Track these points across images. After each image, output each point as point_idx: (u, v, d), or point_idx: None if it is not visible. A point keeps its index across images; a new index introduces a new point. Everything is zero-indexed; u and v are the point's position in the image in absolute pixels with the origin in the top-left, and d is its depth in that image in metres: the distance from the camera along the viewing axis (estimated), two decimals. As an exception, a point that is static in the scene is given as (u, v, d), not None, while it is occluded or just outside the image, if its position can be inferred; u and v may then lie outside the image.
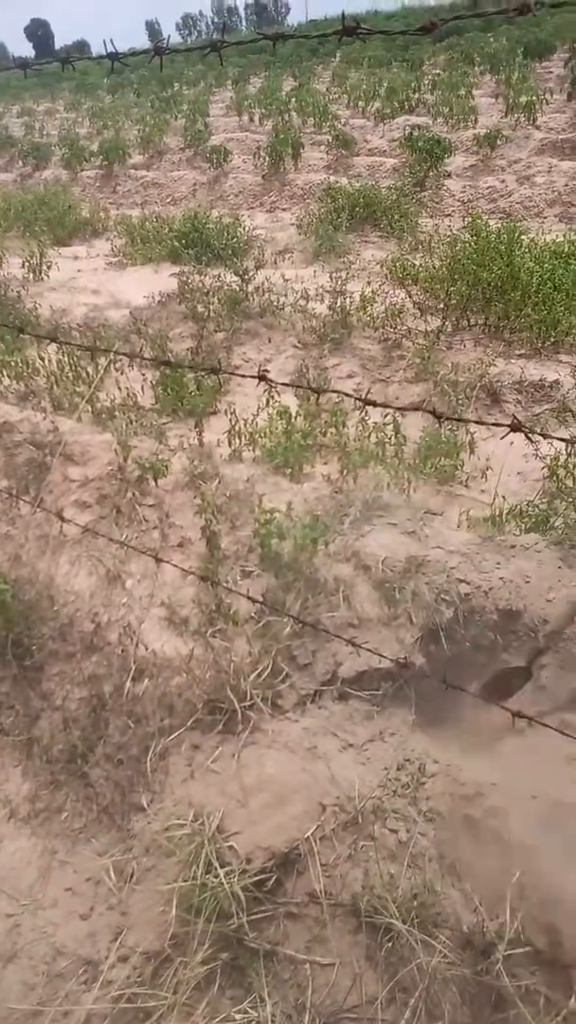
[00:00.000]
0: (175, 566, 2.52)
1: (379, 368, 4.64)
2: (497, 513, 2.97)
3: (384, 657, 2.15)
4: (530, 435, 1.41)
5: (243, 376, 1.65)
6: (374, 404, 1.57)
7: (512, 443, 3.25)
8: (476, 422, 1.35)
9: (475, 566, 2.54)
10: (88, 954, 1.87)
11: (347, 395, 1.53)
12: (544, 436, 1.40)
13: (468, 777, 2.01)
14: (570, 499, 2.92)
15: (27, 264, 6.97)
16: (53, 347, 4.82)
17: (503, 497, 3.10)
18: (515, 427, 1.39)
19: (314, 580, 2.53)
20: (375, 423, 3.51)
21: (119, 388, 4.43)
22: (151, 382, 4.54)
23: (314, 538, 2.57)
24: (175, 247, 7.16)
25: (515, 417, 1.44)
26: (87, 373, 4.62)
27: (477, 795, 1.96)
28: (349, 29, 1.31)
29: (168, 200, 11.00)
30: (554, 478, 3.15)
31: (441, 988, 1.71)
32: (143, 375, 4.63)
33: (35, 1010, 1.78)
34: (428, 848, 1.90)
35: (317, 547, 2.59)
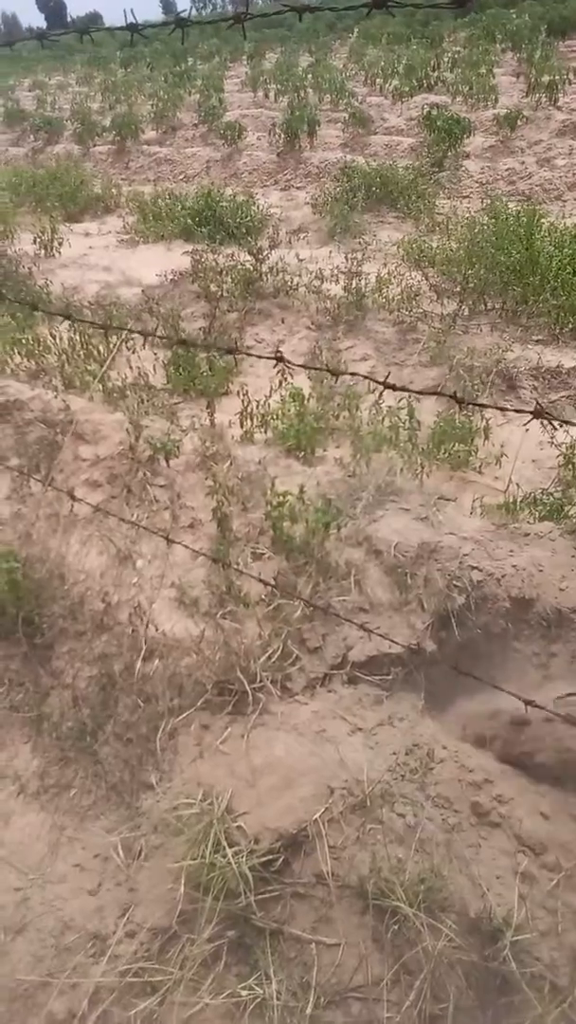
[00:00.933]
0: (186, 547, 2.52)
1: (393, 351, 4.59)
2: (511, 500, 2.95)
3: (395, 642, 2.15)
4: (553, 421, 1.38)
5: (259, 357, 1.62)
6: (394, 388, 1.55)
7: (527, 430, 3.21)
8: (499, 408, 1.32)
9: (488, 553, 2.53)
10: (96, 928, 1.89)
11: (367, 378, 1.50)
12: (569, 424, 1.38)
13: (476, 763, 2.01)
14: (586, 488, 2.89)
15: (38, 240, 6.91)
16: (64, 325, 4.79)
17: (517, 484, 3.08)
18: (538, 413, 1.37)
19: (326, 564, 2.52)
20: (389, 407, 3.48)
21: (130, 367, 4.40)
22: (163, 361, 4.51)
23: (326, 522, 2.55)
24: (188, 225, 7.08)
25: (538, 403, 1.41)
26: (98, 351, 4.60)
27: (485, 782, 1.96)
28: (378, 1, 1.27)
29: (181, 177, 10.87)
30: (570, 466, 3.12)
31: (447, 971, 1.72)
32: (155, 354, 4.60)
33: (44, 981, 1.80)
34: (436, 833, 1.90)
35: (329, 531, 2.57)
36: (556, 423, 1.41)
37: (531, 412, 1.38)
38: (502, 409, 1.41)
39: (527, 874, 1.83)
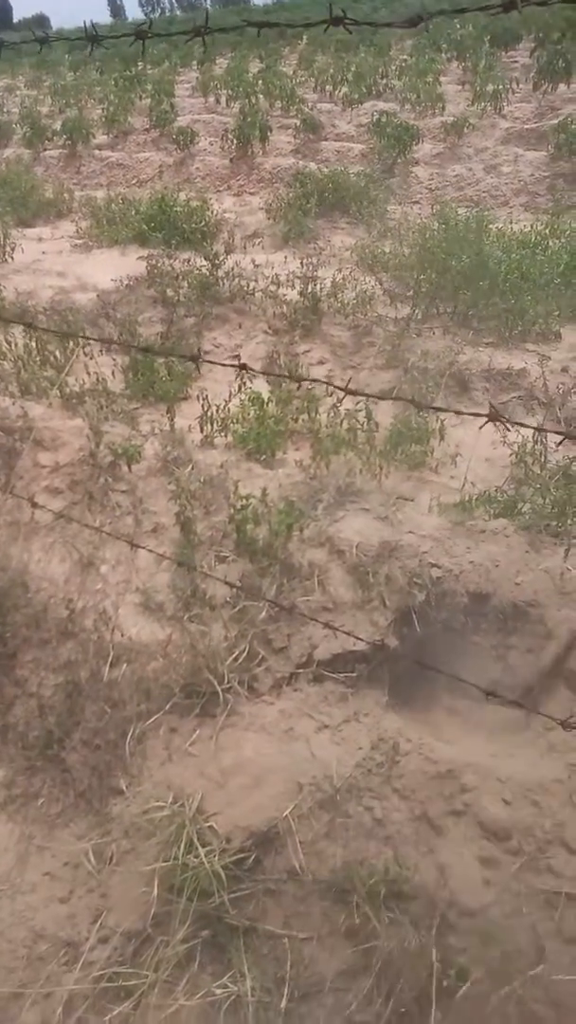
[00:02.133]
0: (150, 551, 2.52)
1: (350, 355, 4.66)
2: (467, 499, 3.03)
3: (359, 639, 2.20)
4: (507, 424, 1.45)
5: (223, 365, 1.65)
6: (355, 393, 1.59)
7: (481, 430, 3.31)
8: (455, 412, 1.38)
9: (446, 551, 2.60)
10: (69, 936, 1.88)
11: (328, 384, 1.55)
12: (520, 425, 1.44)
13: (440, 755, 2.07)
14: (537, 485, 2.99)
15: (-11, 245, 6.80)
16: (19, 330, 4.73)
17: (472, 483, 3.17)
18: (493, 417, 1.43)
19: (289, 565, 2.55)
20: (347, 410, 3.54)
21: (88, 373, 4.37)
22: (121, 367, 4.49)
23: (289, 524, 2.59)
24: (142, 230, 7.05)
25: (492, 406, 1.48)
26: (55, 357, 4.55)
27: (449, 773, 2.02)
28: (336, 19, 1.31)
29: (134, 181, 10.81)
30: (521, 465, 3.23)
31: (411, 960, 1.77)
32: (113, 360, 4.58)
33: (17, 992, 1.80)
34: (403, 824, 1.96)
35: (292, 532, 2.61)
36: (509, 425, 1.47)
37: (486, 415, 1.45)
38: (458, 412, 1.47)
39: (491, 859, 1.89)
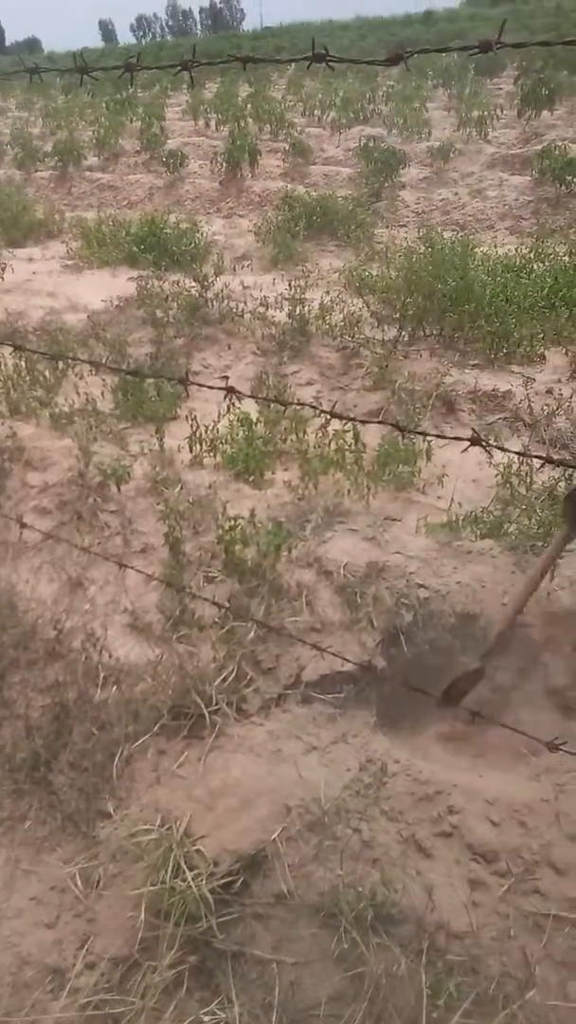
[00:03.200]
0: (139, 572, 2.53)
1: (338, 376, 4.71)
2: (453, 519, 3.06)
3: (347, 660, 2.21)
4: (489, 448, 1.48)
5: (210, 388, 1.68)
6: (340, 417, 1.62)
7: (467, 451, 3.35)
8: (438, 436, 1.41)
9: (433, 571, 2.62)
10: (55, 963, 1.86)
11: (315, 408, 1.57)
12: (501, 449, 1.47)
13: (428, 776, 2.08)
14: (523, 506, 3.03)
15: (-20, 265, 6.84)
16: (7, 350, 4.75)
17: (459, 503, 3.20)
18: (475, 440, 1.46)
19: (277, 585, 2.57)
20: (335, 430, 3.58)
21: (78, 393, 4.40)
22: (110, 387, 4.52)
23: (277, 544, 2.61)
24: (133, 251, 7.12)
25: (474, 431, 1.51)
26: (44, 377, 4.58)
27: (437, 794, 2.03)
28: (319, 56, 1.35)
29: (124, 203, 10.92)
30: (507, 486, 3.27)
31: (400, 984, 1.76)
32: (103, 380, 4.60)
33: (2, 1021, 1.77)
34: (391, 846, 1.96)
35: (280, 553, 2.63)
36: (491, 450, 1.50)
37: (468, 440, 1.48)
38: (441, 437, 1.50)
39: (479, 881, 1.89)
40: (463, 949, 1.77)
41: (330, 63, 1.39)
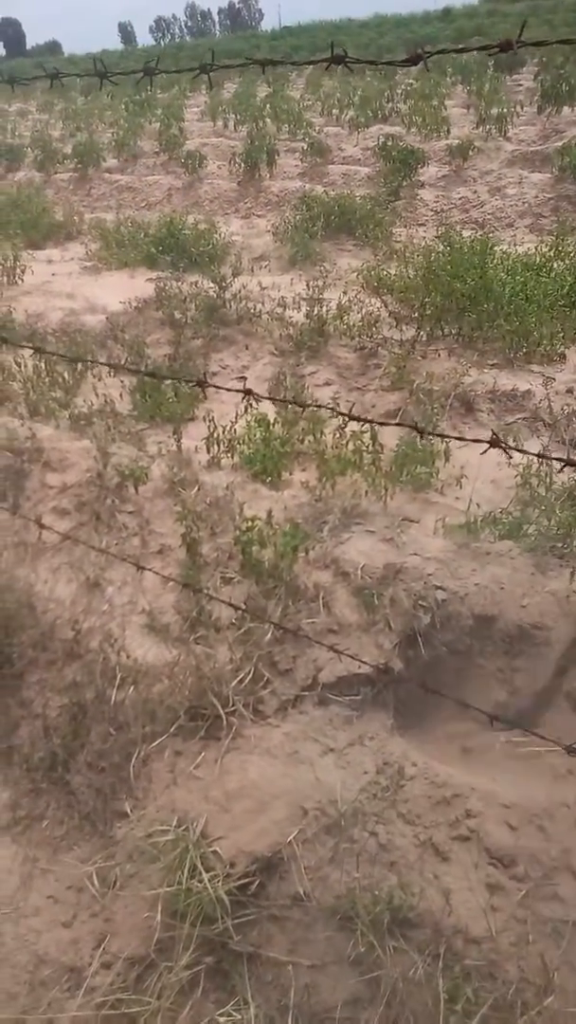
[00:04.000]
0: (156, 573, 2.54)
1: (355, 376, 4.70)
2: (472, 520, 3.04)
3: (364, 662, 2.20)
4: (508, 450, 1.46)
5: (228, 390, 1.68)
6: (358, 419, 1.62)
7: (485, 452, 3.32)
8: (456, 438, 1.40)
9: (451, 572, 2.60)
10: (71, 961, 1.88)
11: (332, 410, 1.57)
12: (521, 451, 1.46)
13: (445, 779, 2.06)
14: (542, 507, 3.00)
15: (1, 267, 6.91)
16: (27, 352, 4.80)
17: (477, 504, 3.17)
18: (494, 443, 1.45)
19: (294, 587, 2.56)
20: (352, 431, 3.56)
21: (96, 394, 4.43)
22: (128, 388, 4.54)
23: (294, 545, 2.61)
24: (151, 252, 7.16)
25: (494, 432, 1.49)
26: (64, 379, 4.61)
27: (454, 797, 2.01)
28: (337, 58, 1.35)
29: (143, 204, 10.98)
30: (527, 487, 3.23)
31: (416, 989, 1.75)
32: (121, 381, 4.63)
33: (18, 1019, 1.79)
34: (408, 850, 1.94)
35: (297, 554, 2.62)
36: (510, 451, 1.49)
37: (487, 441, 1.46)
38: (460, 439, 1.49)
39: (497, 885, 1.88)
40: (481, 954, 1.75)
41: (348, 64, 1.38)
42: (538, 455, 1.42)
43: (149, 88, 16.39)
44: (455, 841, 1.97)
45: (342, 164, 10.84)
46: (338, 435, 3.64)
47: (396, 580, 2.55)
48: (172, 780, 2.14)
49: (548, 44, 1.13)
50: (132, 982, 1.83)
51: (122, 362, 4.81)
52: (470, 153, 9.72)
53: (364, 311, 5.10)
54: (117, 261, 7.45)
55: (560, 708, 2.32)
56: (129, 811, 2.09)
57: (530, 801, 2.02)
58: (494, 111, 10.89)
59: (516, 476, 3.30)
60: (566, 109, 11.06)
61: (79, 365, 4.63)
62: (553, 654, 2.41)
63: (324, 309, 5.10)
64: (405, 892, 1.84)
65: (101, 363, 2.26)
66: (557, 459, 1.41)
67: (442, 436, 1.40)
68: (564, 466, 1.44)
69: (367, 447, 3.46)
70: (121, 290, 6.34)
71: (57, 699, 2.40)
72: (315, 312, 5.06)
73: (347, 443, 3.53)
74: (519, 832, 1.96)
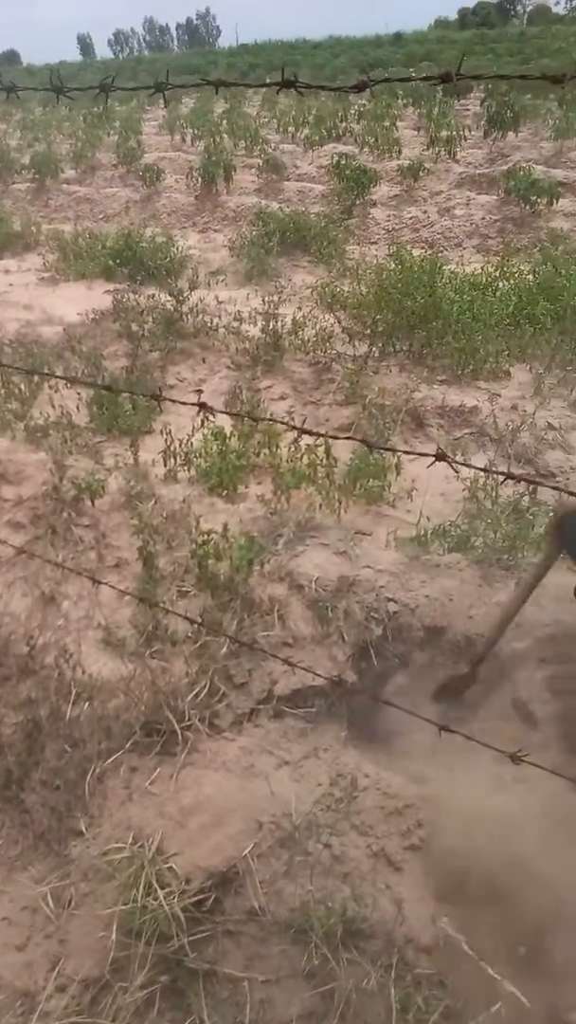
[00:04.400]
0: (112, 587, 2.53)
1: (310, 391, 4.76)
2: (422, 533, 3.11)
3: (317, 675, 2.23)
4: (453, 464, 1.52)
5: (182, 403, 1.70)
6: (309, 433, 1.65)
7: (432, 465, 3.41)
8: (404, 452, 1.45)
9: (402, 585, 2.66)
10: (25, 986, 1.84)
11: (284, 424, 1.60)
12: (465, 465, 1.51)
13: (397, 789, 2.10)
14: (489, 520, 3.09)
15: (-47, 277, 6.80)
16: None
17: (428, 517, 3.25)
18: (440, 456, 1.50)
19: (250, 600, 2.59)
20: (307, 445, 3.61)
21: (53, 406, 4.38)
22: (86, 400, 4.51)
23: (250, 559, 2.63)
24: (109, 264, 7.14)
25: (439, 447, 1.55)
26: (20, 390, 4.56)
27: (406, 807, 2.05)
28: (288, 82, 1.40)
29: (101, 216, 10.93)
30: (474, 499, 3.33)
31: (369, 999, 1.77)
32: (78, 393, 4.59)
33: (-31, 1047, 1.75)
34: (361, 860, 1.97)
35: (252, 567, 2.65)
36: (455, 465, 1.55)
37: (434, 455, 1.52)
38: (408, 452, 1.54)
39: (448, 894, 1.92)
40: (431, 963, 1.79)
41: (299, 89, 1.44)
42: (482, 469, 1.48)
43: (107, 102, 16.35)
44: (407, 851, 2.00)
45: (297, 181, 11.00)
46: (293, 448, 3.68)
47: (349, 593, 2.59)
48: (127, 796, 2.12)
49: (485, 78, 1.19)
50: (87, 1004, 1.81)
51: (79, 374, 4.78)
52: (421, 174, 9.96)
53: (318, 327, 5.17)
54: (75, 273, 7.40)
55: (508, 717, 2.38)
56: (84, 829, 2.07)
57: (480, 808, 2.07)
58: (443, 134, 11.19)
59: (464, 490, 3.39)
60: (511, 134, 11.45)
61: (36, 377, 4.58)
62: (500, 664, 2.48)
63: (279, 324, 5.16)
64: (358, 903, 1.86)
65: (57, 376, 2.26)
66: (499, 473, 1.47)
67: (390, 449, 1.45)
68: (505, 479, 1.50)
69: (321, 461, 3.51)
70: (78, 302, 6.30)
71: (11, 716, 2.37)
72: (271, 327, 5.11)
73: (302, 457, 3.58)
74: (470, 839, 2.01)
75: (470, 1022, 1.67)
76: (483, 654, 2.35)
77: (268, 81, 1.47)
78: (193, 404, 1.84)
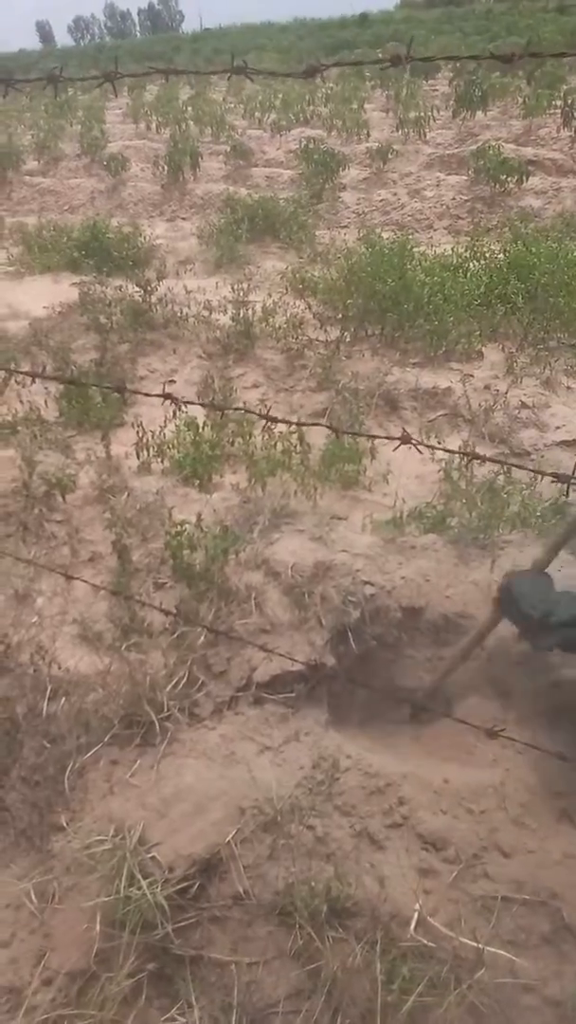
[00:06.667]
0: (86, 582, 2.51)
1: (283, 377, 4.74)
2: (398, 515, 3.12)
3: (296, 660, 2.24)
4: (419, 447, 1.52)
5: (147, 395, 1.69)
6: (275, 420, 1.65)
7: (410, 448, 3.42)
8: (368, 436, 1.45)
9: (379, 567, 2.67)
10: (10, 982, 1.84)
11: (249, 412, 1.60)
12: (431, 448, 1.52)
13: (378, 769, 2.12)
14: (463, 500, 3.10)
15: None
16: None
17: (403, 500, 3.26)
18: (405, 439, 1.51)
19: (226, 589, 2.58)
20: (280, 432, 3.61)
21: (21, 401, 4.33)
22: (54, 395, 4.46)
23: (225, 548, 2.62)
24: (74, 257, 7.04)
25: (404, 429, 1.55)
26: (-14, 387, 4.49)
27: (387, 786, 2.07)
28: (238, 68, 1.39)
29: (66, 208, 10.77)
30: (449, 480, 3.34)
31: (355, 976, 1.79)
32: (46, 388, 4.54)
33: (-44, 1046, 1.74)
34: (344, 841, 1.99)
35: (228, 556, 2.64)
36: (421, 448, 1.55)
37: (399, 438, 1.52)
38: (372, 436, 1.54)
39: (429, 869, 1.94)
40: (415, 936, 1.81)
41: (249, 75, 1.43)
42: (445, 449, 1.49)
43: (68, 91, 16.07)
44: (389, 829, 2.02)
45: (265, 167, 10.90)
46: (267, 436, 3.67)
47: (326, 577, 2.60)
48: (108, 789, 2.12)
49: (435, 59, 1.18)
50: (74, 997, 1.81)
51: (47, 369, 4.72)
52: (390, 156, 9.93)
53: (289, 313, 5.15)
54: (40, 266, 7.29)
55: (485, 694, 2.41)
56: (66, 824, 2.07)
57: (459, 784, 2.09)
58: (412, 115, 11.15)
59: (439, 471, 3.41)
60: (480, 114, 11.43)
61: (1, 372, 4.52)
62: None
63: (250, 311, 5.13)
64: (342, 882, 1.88)
65: (21, 372, 2.22)
66: (466, 454, 1.48)
67: (357, 434, 1.45)
68: (470, 460, 1.51)
69: (295, 447, 3.50)
70: (45, 295, 6.21)
71: (-13, 716, 2.35)
72: (241, 315, 5.08)
73: (275, 444, 3.57)
74: (450, 815, 2.03)
75: (455, 991, 1.69)
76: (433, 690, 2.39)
77: (219, 69, 1.46)
78: (158, 396, 1.83)
